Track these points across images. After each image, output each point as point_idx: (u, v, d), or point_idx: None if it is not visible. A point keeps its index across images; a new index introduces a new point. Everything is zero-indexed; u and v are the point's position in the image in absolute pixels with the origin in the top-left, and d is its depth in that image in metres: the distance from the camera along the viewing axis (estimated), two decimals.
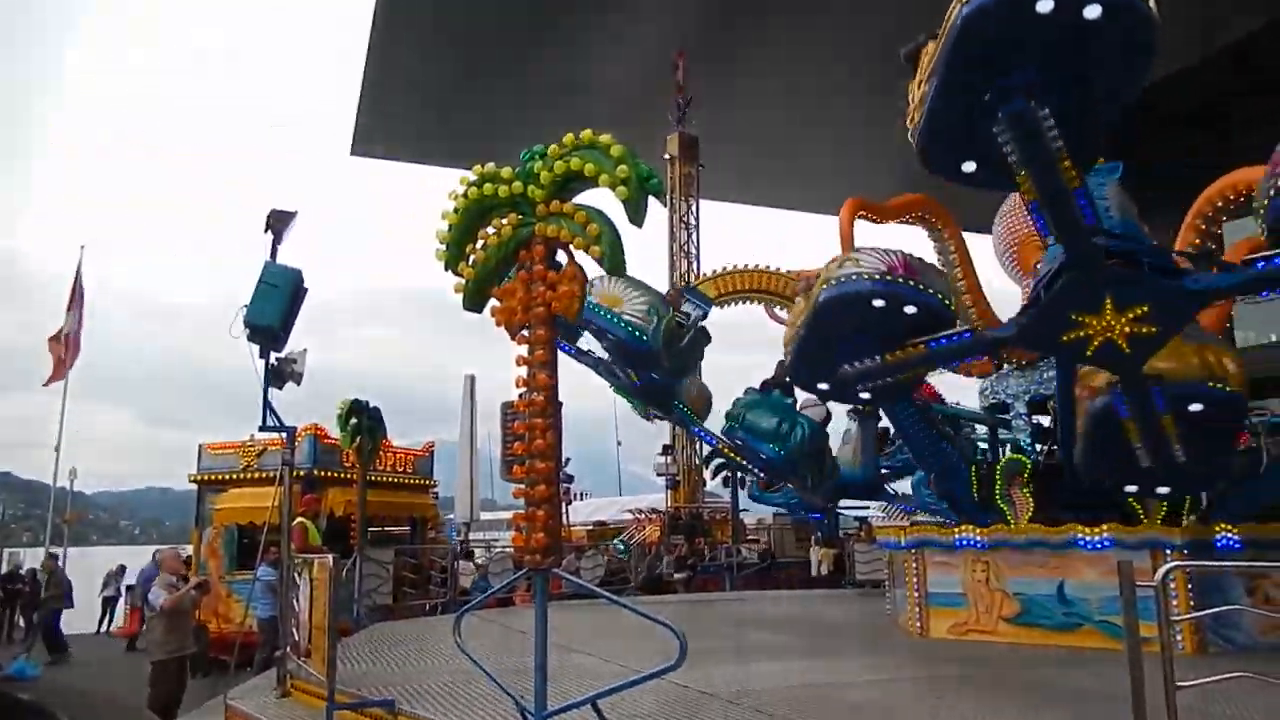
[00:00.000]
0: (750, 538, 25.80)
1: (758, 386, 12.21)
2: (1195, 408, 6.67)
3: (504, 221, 4.95)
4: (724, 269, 12.61)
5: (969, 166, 5.87)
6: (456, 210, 5.06)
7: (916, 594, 9.41)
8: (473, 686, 6.56)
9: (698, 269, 31.83)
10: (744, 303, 12.56)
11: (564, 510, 28.29)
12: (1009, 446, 11.00)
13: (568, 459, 25.04)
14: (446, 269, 5.16)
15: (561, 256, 4.80)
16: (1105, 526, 8.33)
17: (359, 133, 26.39)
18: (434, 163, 27.53)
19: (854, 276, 7.07)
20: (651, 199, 4.44)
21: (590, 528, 30.35)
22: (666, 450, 29.85)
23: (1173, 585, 7.72)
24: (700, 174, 30.99)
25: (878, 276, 6.97)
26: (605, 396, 13.99)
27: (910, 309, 6.96)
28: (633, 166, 4.30)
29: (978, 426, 12.17)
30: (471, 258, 5.07)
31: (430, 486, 19.85)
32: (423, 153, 28.11)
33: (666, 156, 30.45)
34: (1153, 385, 6.63)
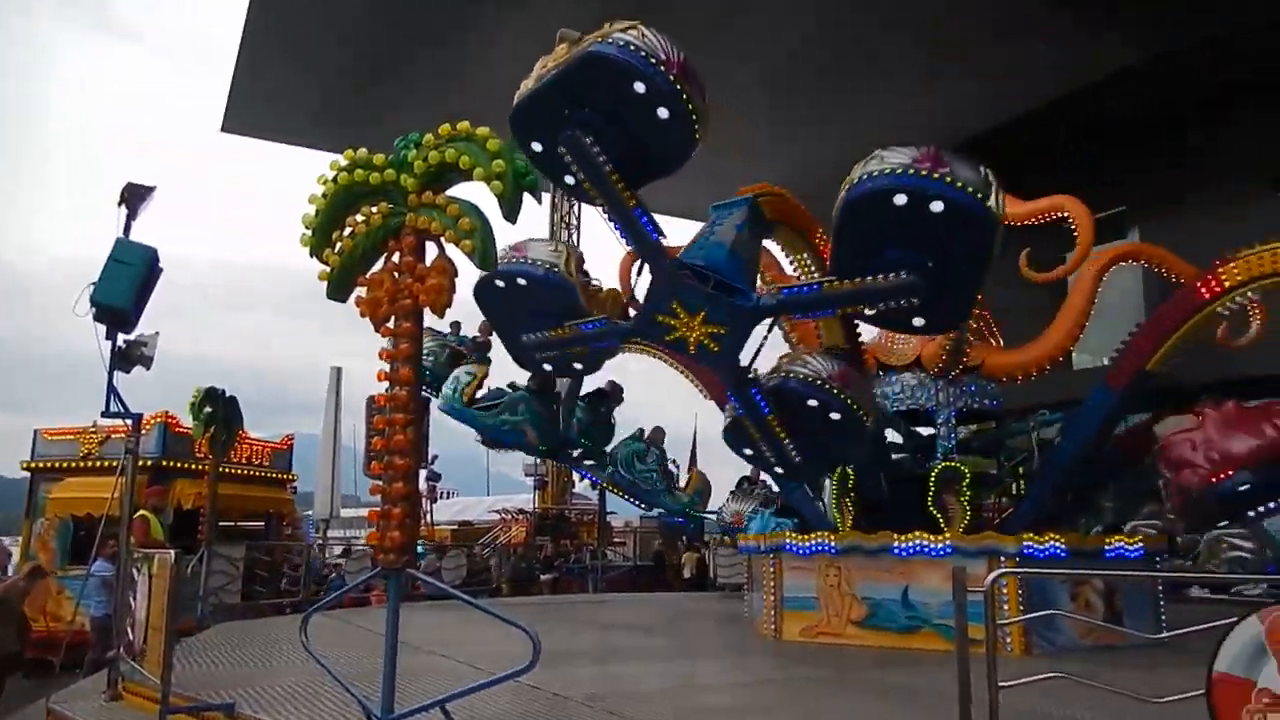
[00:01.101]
0: (617, 540, 25.99)
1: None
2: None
3: (374, 210, 4.84)
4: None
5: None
6: (324, 195, 4.91)
7: (772, 598, 9.68)
8: (319, 689, 6.34)
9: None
10: None
11: (428, 509, 27.76)
12: None
13: (434, 456, 24.54)
14: (311, 255, 5.00)
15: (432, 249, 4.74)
16: (948, 535, 8.81)
17: (231, 108, 25.15)
18: (311, 144, 26.47)
19: None
20: (527, 196, 4.44)
21: (455, 527, 29.85)
22: None
23: (1004, 591, 8.23)
24: None
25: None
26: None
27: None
28: (509, 162, 4.27)
29: None
30: (338, 245, 4.93)
31: (289, 481, 19.11)
32: (300, 133, 26.99)
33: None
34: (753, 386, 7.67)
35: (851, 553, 9.18)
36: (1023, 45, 19.99)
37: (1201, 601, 13.27)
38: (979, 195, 6.15)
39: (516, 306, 7.97)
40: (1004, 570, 5.00)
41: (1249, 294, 8.48)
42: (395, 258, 4.77)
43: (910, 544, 8.84)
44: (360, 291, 4.82)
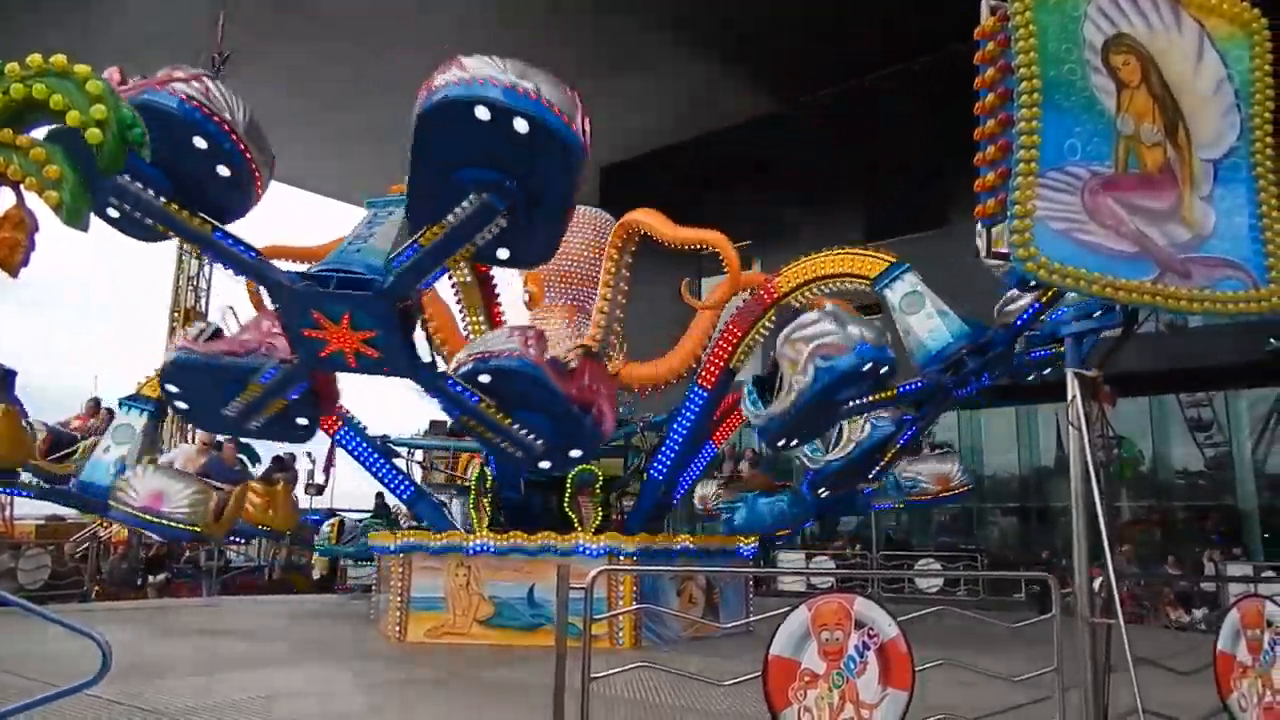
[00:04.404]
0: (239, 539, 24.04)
1: None
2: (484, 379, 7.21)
3: None
4: None
5: None
6: None
7: (399, 599, 9.49)
8: None
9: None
10: None
11: (7, 502, 23.75)
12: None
13: None
14: None
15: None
16: (576, 534, 9.22)
17: None
18: None
19: None
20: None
21: (42, 523, 25.86)
22: None
23: (621, 588, 8.81)
24: None
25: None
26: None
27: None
28: (113, 109, 3.76)
29: None
30: None
31: None
32: None
33: None
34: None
35: (482, 553, 9.28)
36: (659, 83, 21.84)
37: (788, 594, 15.15)
38: (568, 120, 5.76)
39: (204, 386, 7.21)
40: (602, 569, 5.35)
41: (808, 292, 9.60)
42: None
43: (539, 544, 9.14)
44: None
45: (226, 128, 5.84)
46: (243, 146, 5.94)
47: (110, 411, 12.24)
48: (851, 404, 7.44)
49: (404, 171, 6.14)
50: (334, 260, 6.62)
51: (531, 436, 7.29)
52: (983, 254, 4.16)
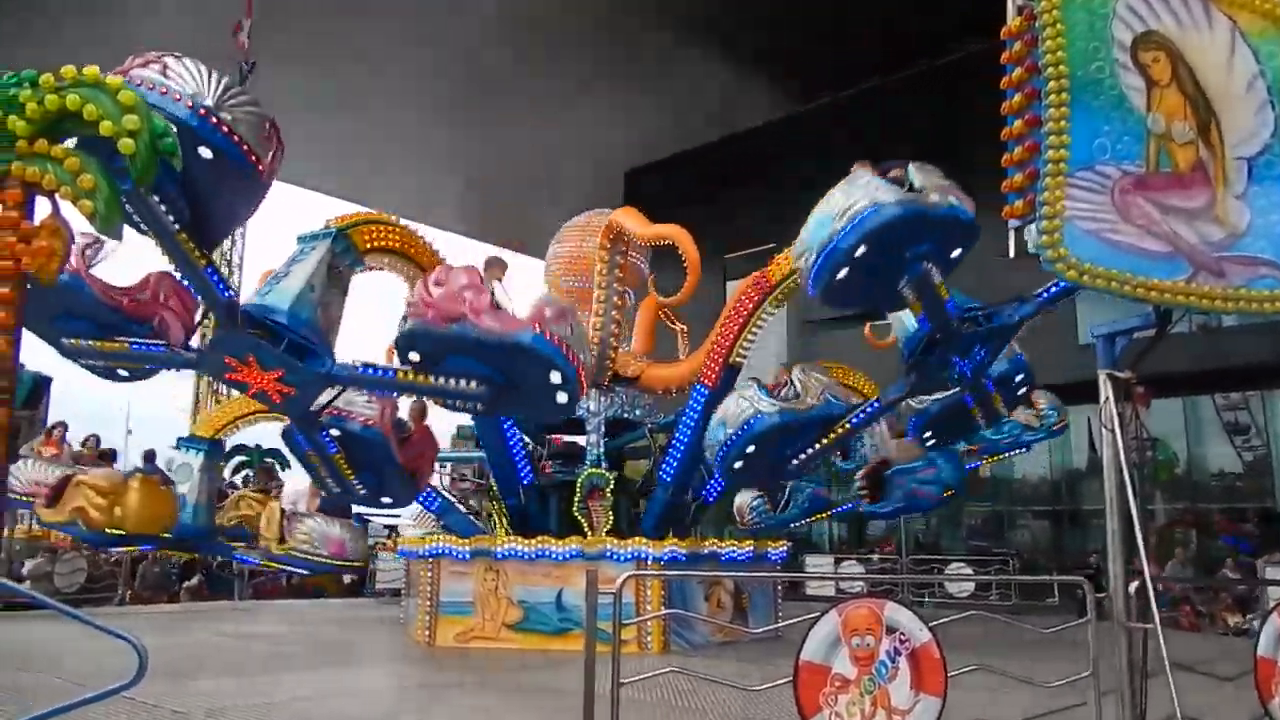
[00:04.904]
0: None
1: None
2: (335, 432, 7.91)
3: None
4: None
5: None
6: None
7: (428, 603, 9.54)
8: None
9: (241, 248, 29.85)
10: None
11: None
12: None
13: None
14: None
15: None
16: (605, 539, 9.22)
17: None
18: None
19: None
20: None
21: None
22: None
23: (649, 592, 8.79)
24: None
25: None
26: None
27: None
28: (145, 119, 3.83)
29: None
30: None
31: None
32: None
33: None
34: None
35: (511, 557, 9.30)
36: (680, 86, 21.79)
37: (817, 599, 15.08)
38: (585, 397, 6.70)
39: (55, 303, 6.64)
40: (631, 574, 5.37)
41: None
42: None
43: (567, 549, 9.15)
44: None
45: (189, 105, 5.36)
46: (215, 120, 5.43)
47: (98, 440, 12.90)
48: (925, 266, 7.19)
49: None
50: (264, 300, 6.67)
51: (359, 486, 8.26)
52: (1012, 255, 4.12)
